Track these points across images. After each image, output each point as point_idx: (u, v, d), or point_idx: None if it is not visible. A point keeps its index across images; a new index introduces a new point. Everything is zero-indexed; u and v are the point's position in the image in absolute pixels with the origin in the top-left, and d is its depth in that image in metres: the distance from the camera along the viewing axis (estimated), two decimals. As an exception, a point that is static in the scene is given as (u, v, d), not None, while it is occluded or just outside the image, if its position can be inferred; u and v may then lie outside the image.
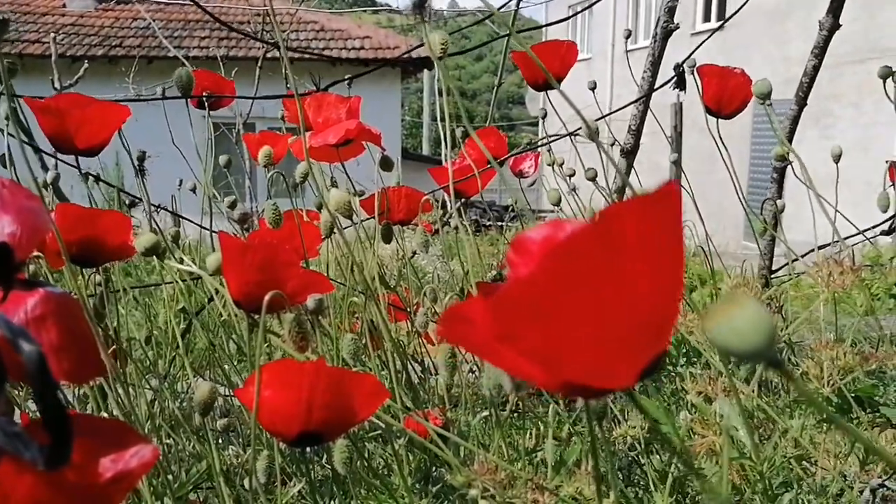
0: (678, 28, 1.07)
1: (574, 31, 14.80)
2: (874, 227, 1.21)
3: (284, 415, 0.54)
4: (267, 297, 0.55)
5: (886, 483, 1.32)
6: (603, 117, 0.94)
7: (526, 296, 0.25)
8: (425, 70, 12.45)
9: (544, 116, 1.27)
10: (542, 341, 0.26)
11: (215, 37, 9.77)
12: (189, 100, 1.10)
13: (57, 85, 1.69)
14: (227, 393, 1.07)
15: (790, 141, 1.39)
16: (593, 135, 0.85)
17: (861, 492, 0.96)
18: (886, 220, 1.21)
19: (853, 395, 1.05)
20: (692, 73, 1.03)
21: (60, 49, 8.96)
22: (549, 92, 1.21)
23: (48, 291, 0.44)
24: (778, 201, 1.36)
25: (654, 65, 1.09)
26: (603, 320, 0.26)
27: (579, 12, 1.67)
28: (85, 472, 0.39)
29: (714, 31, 1.15)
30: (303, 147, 0.93)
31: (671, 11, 1.06)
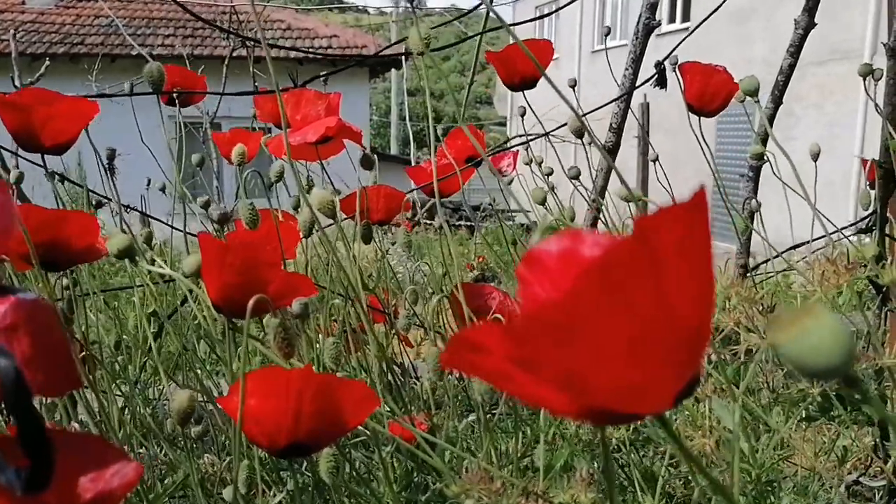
0: (660, 25, 1.06)
1: (541, 31, 14.85)
2: (852, 224, 1.21)
3: (271, 425, 0.51)
4: (251, 302, 0.52)
5: (860, 479, 1.33)
6: (586, 114, 0.92)
7: (558, 318, 0.23)
8: (393, 70, 12.41)
9: (523, 114, 1.25)
10: (574, 366, 0.24)
11: (179, 35, 9.62)
12: (159, 97, 1.06)
13: (17, 83, 1.64)
14: (200, 398, 1.03)
15: (765, 141, 1.40)
16: (579, 132, 0.84)
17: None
18: (864, 219, 1.21)
19: (834, 392, 1.05)
20: (674, 71, 1.02)
21: (20, 47, 8.74)
22: (517, 92, 1.19)
23: (20, 298, 0.41)
24: (753, 200, 1.36)
25: (636, 62, 1.07)
26: (643, 341, 0.24)
27: (547, 14, 1.65)
28: (63, 493, 0.36)
29: (693, 29, 1.15)
30: (279, 145, 0.90)
31: (653, 8, 1.05)
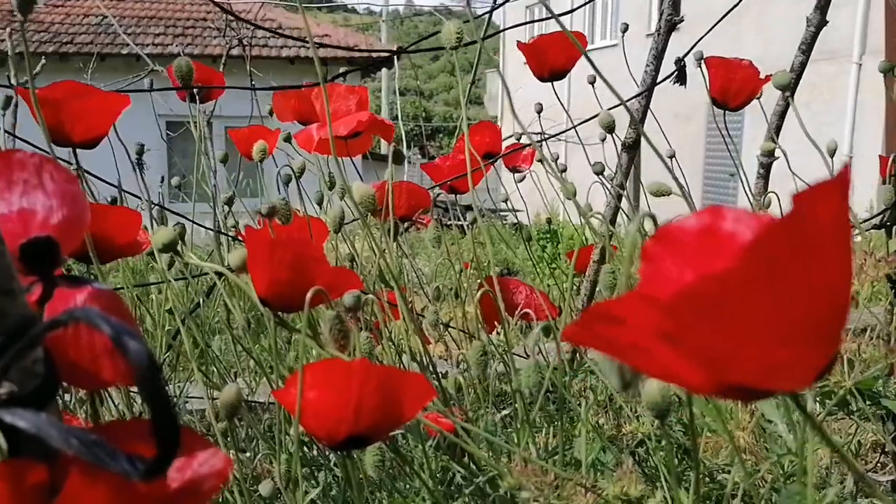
0: (682, 21, 1.06)
1: (532, 30, 14.87)
2: (865, 221, 1.22)
3: (331, 418, 0.51)
4: (309, 294, 0.52)
5: (868, 474, 1.33)
6: (612, 108, 0.92)
7: (717, 293, 0.23)
8: (383, 69, 12.37)
9: (540, 111, 1.25)
10: (725, 342, 0.24)
11: (170, 33, 9.57)
12: (179, 93, 1.06)
13: (13, 81, 1.63)
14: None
15: (777, 136, 1.40)
16: (610, 127, 0.84)
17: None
18: (878, 215, 1.22)
19: (854, 387, 1.06)
20: (698, 67, 1.02)
21: (8, 46, 8.62)
22: (546, 83, 1.19)
23: (95, 288, 0.41)
24: (763, 197, 1.36)
25: (657, 58, 1.08)
26: (796, 318, 0.24)
27: (543, 19, 1.66)
28: (151, 483, 0.35)
29: (713, 26, 1.15)
30: (307, 139, 0.90)
31: (675, 4, 1.06)
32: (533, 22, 1.34)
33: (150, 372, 0.25)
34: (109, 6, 9.56)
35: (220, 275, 0.82)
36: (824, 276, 0.24)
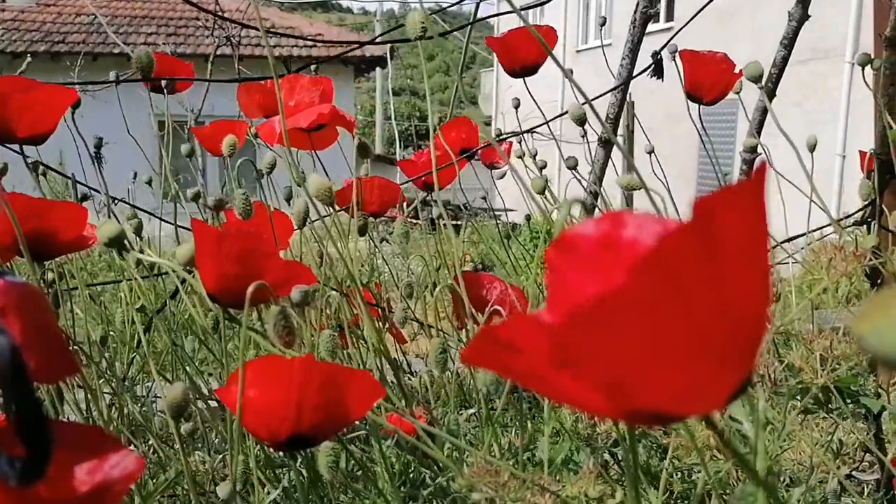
0: (658, 13, 1.05)
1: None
2: (848, 216, 1.20)
3: (272, 417, 0.49)
4: (250, 289, 0.50)
5: (853, 474, 1.32)
6: (586, 103, 0.90)
7: (609, 316, 0.21)
8: (377, 69, 12.36)
9: (517, 106, 1.24)
10: (623, 367, 0.22)
11: (162, 32, 9.54)
12: (145, 84, 1.04)
13: None
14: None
15: (759, 132, 1.39)
16: (581, 120, 0.82)
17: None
18: (859, 210, 1.21)
19: (833, 385, 1.05)
20: (672, 61, 1.00)
21: (1, 45, 8.65)
22: (518, 78, 1.17)
23: (8, 282, 0.39)
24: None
25: (633, 52, 1.06)
26: (700, 338, 0.22)
27: (532, 6, 1.64)
28: (58, 486, 0.34)
29: (681, 28, 1.13)
30: (270, 131, 0.88)
31: (650, -2, 1.04)
32: (504, 14, 1.32)
33: (12, 368, 0.24)
34: (101, 5, 9.54)
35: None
36: (735, 288, 0.22)
